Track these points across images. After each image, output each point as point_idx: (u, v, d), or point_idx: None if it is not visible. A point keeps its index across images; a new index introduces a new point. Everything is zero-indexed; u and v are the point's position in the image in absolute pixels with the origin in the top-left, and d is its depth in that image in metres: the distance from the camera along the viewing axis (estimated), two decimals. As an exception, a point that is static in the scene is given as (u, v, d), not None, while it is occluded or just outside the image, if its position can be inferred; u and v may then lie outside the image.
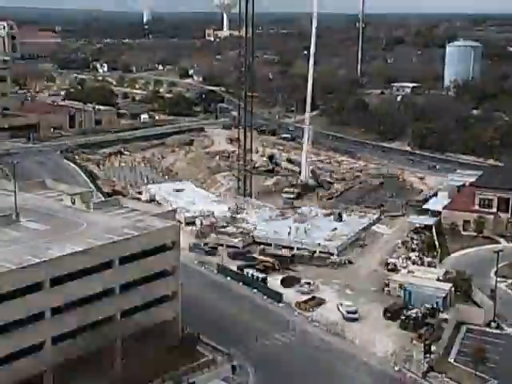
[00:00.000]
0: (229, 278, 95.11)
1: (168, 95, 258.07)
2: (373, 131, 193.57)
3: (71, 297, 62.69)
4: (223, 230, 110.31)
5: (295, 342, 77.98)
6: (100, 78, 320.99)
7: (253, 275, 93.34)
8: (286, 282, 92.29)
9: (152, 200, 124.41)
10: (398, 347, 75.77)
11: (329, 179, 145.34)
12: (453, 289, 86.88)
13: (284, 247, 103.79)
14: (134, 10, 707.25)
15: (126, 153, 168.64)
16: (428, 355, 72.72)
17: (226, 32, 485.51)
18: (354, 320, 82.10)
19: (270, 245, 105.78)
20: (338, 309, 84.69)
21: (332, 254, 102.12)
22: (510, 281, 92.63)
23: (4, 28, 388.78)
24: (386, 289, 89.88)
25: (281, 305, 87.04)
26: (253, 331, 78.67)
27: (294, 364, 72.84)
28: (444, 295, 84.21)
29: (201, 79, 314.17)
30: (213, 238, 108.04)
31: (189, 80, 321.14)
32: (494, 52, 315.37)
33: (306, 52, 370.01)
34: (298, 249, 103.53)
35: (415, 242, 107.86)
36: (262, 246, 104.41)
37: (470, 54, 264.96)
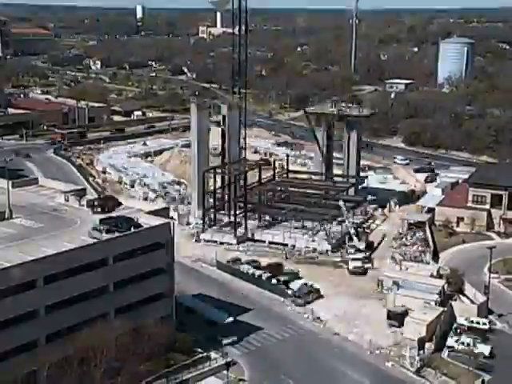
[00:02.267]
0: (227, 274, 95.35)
1: (161, 92, 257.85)
2: (366, 128, 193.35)
3: (65, 295, 62.66)
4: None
5: (290, 337, 78.14)
6: (93, 75, 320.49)
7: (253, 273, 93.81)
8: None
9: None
10: (391, 343, 76.08)
11: None
12: (446, 285, 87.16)
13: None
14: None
15: None
16: (421, 351, 73.02)
17: (219, 29, 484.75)
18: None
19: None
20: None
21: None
22: (502, 277, 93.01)
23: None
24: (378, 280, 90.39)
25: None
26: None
27: (289, 359, 72.99)
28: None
29: (194, 76, 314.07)
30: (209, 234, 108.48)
31: (182, 77, 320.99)
32: (488, 48, 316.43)
33: (299, 49, 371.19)
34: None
35: (409, 238, 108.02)
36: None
37: (463, 51, 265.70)
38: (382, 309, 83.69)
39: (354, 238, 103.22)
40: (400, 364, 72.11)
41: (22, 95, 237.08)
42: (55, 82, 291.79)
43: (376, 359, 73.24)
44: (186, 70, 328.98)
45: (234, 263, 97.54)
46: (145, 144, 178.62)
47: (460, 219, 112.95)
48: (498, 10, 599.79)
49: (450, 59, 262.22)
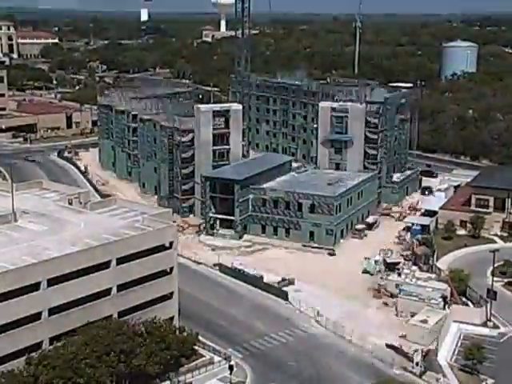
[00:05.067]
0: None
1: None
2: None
3: (68, 297, 62.83)
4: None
5: (293, 341, 78.08)
6: (97, 78, 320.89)
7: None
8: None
9: None
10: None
11: None
12: (449, 288, 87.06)
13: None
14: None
15: None
16: (425, 355, 72.97)
17: (222, 33, 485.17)
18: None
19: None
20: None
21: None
22: (506, 280, 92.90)
23: (1, 28, 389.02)
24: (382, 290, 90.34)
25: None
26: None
27: (292, 363, 72.87)
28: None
29: (197, 79, 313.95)
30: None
31: (186, 80, 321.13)
32: (491, 52, 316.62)
33: (303, 52, 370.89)
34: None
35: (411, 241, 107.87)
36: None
37: (466, 55, 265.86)
38: (385, 312, 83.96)
39: None
40: (404, 368, 72.00)
41: (25, 99, 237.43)
42: (59, 86, 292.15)
43: (380, 363, 73.14)
44: (189, 73, 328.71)
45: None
46: None
47: (463, 222, 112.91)
48: (501, 13, 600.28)
49: (453, 62, 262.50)
